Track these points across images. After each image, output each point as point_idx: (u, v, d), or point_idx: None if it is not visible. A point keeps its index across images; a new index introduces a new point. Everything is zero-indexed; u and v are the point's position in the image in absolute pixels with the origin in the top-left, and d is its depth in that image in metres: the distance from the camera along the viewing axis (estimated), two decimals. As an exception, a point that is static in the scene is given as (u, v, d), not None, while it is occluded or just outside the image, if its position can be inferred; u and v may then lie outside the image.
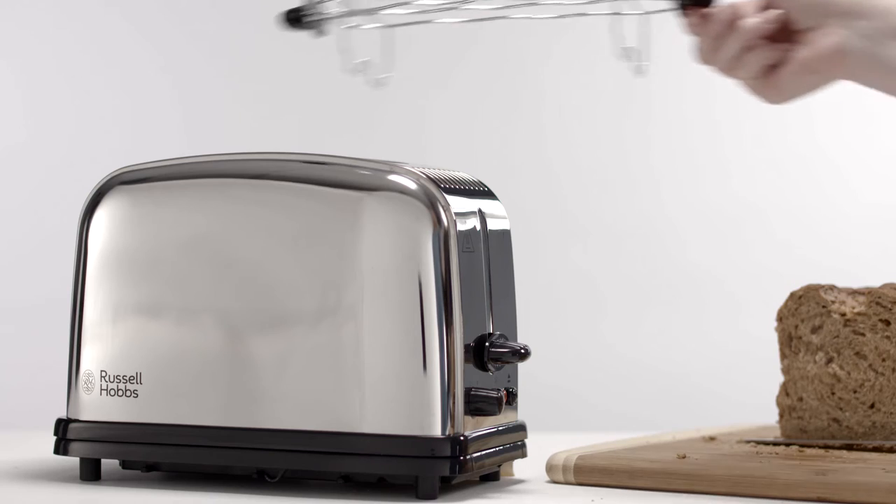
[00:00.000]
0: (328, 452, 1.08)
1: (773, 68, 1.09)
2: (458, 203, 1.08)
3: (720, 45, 1.09)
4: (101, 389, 1.15)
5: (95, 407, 1.15)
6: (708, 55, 1.10)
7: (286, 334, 1.09)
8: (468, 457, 1.06)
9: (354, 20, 1.13)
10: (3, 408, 2.01)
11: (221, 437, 1.11)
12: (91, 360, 1.16)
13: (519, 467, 1.19)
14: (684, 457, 1.16)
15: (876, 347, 1.26)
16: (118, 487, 1.14)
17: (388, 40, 1.14)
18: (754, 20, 1.08)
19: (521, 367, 1.13)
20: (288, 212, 1.10)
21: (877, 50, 1.05)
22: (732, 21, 1.08)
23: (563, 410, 2.11)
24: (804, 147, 2.26)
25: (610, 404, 2.18)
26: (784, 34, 1.09)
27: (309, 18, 1.14)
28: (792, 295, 1.32)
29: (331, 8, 1.14)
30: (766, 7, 1.08)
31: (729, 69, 1.10)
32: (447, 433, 1.05)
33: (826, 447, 1.26)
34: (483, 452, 1.08)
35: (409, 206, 1.07)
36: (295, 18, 1.15)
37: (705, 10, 1.09)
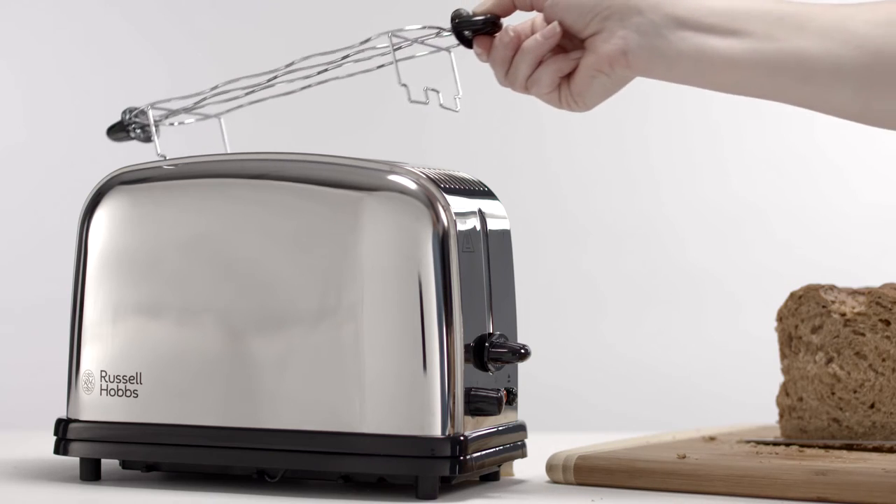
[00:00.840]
0: (328, 452, 1.08)
1: (567, 79, 1.11)
2: (458, 203, 1.08)
3: (511, 68, 1.12)
4: (101, 389, 1.15)
5: (95, 407, 1.15)
6: (503, 79, 1.13)
7: (286, 334, 1.09)
8: (468, 457, 1.06)
9: (177, 118, 1.18)
10: (3, 408, 2.01)
11: (221, 437, 1.11)
12: (91, 360, 1.16)
13: (519, 467, 1.19)
14: (684, 457, 1.16)
15: (876, 347, 1.26)
16: (118, 487, 1.14)
17: (218, 129, 1.19)
18: (534, 39, 1.10)
19: (521, 367, 1.13)
20: (288, 212, 1.10)
21: (655, 42, 1.06)
22: (516, 43, 1.11)
23: (563, 410, 2.11)
24: (804, 147, 2.26)
25: (610, 404, 2.18)
26: (575, 43, 1.11)
27: (131, 127, 1.18)
28: (792, 295, 1.32)
29: (150, 114, 1.19)
30: (549, 21, 1.11)
31: (525, 88, 1.13)
32: (447, 433, 1.05)
33: (826, 447, 1.26)
34: (483, 452, 1.08)
35: (409, 206, 1.07)
36: (120, 131, 1.19)
37: (488, 39, 1.12)
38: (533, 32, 1.11)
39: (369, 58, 1.15)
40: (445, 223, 1.06)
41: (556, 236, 2.26)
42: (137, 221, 1.15)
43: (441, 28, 1.12)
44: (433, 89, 1.10)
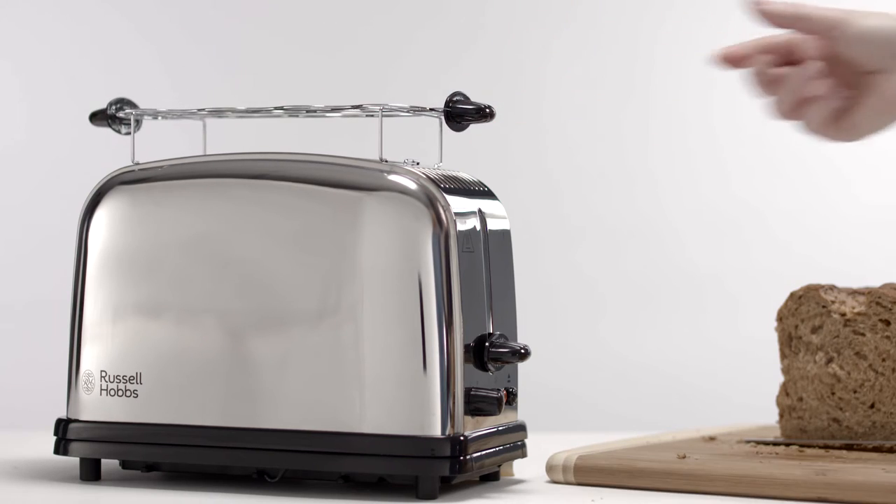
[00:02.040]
0: (328, 452, 1.08)
1: (841, 112, 1.09)
2: (458, 203, 1.08)
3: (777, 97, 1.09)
4: (101, 389, 1.15)
5: (95, 407, 1.15)
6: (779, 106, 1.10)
7: (286, 334, 1.09)
8: (468, 457, 1.06)
9: (161, 114, 1.19)
10: (3, 408, 2.01)
11: (221, 437, 1.11)
12: (91, 360, 1.16)
13: (519, 467, 1.19)
14: (684, 457, 1.16)
15: (876, 347, 1.26)
16: (118, 487, 1.14)
17: (198, 130, 1.20)
18: (797, 73, 1.07)
19: (521, 367, 1.13)
20: (288, 212, 1.10)
21: None
22: (773, 77, 1.08)
23: (563, 410, 2.11)
24: (803, 147, 2.26)
25: (610, 404, 2.18)
26: (848, 77, 1.08)
27: (110, 120, 1.20)
28: (792, 295, 1.32)
29: (132, 122, 1.19)
30: (827, 54, 1.07)
31: (794, 116, 1.09)
32: (447, 433, 1.05)
33: (826, 447, 1.26)
34: (483, 452, 1.08)
35: (409, 206, 1.07)
36: (102, 120, 1.21)
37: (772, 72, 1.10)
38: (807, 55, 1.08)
39: (354, 116, 1.15)
40: (445, 223, 1.06)
41: (556, 236, 2.26)
42: (137, 221, 1.15)
43: (434, 108, 1.12)
44: (415, 161, 1.10)
